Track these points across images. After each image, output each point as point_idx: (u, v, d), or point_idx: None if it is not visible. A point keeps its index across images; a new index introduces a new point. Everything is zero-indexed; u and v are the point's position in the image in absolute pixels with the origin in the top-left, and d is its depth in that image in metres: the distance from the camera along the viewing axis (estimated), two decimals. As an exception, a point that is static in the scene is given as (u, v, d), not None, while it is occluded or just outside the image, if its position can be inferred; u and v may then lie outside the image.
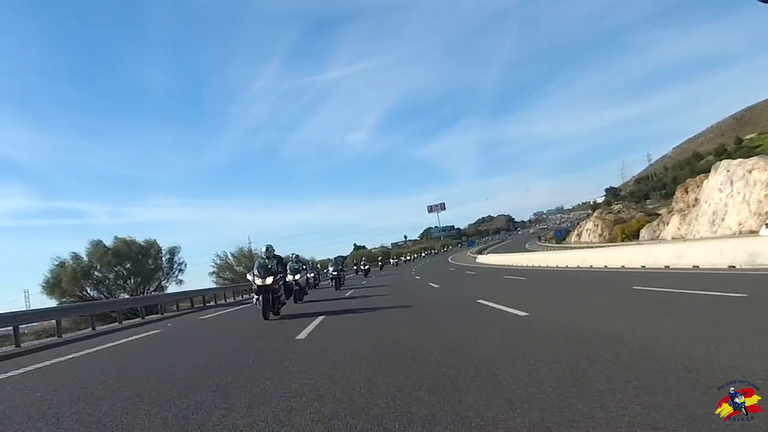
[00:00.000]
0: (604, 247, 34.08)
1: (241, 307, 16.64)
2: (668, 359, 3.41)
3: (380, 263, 57.63)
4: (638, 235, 46.19)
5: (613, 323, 5.50)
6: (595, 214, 74.83)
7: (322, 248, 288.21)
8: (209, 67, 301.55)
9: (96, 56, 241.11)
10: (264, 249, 10.87)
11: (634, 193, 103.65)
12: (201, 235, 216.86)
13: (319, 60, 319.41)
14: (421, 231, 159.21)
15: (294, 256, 22.35)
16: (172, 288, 33.78)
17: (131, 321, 15.27)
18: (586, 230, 69.36)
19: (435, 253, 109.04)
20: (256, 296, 10.13)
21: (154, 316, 16.22)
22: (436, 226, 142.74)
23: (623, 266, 16.82)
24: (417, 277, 25.76)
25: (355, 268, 42.29)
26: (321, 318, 9.05)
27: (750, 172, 30.44)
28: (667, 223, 40.69)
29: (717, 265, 11.89)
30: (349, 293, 17.41)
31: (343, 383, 3.58)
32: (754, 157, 32.74)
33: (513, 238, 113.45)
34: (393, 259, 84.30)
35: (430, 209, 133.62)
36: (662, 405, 2.45)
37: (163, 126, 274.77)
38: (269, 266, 10.14)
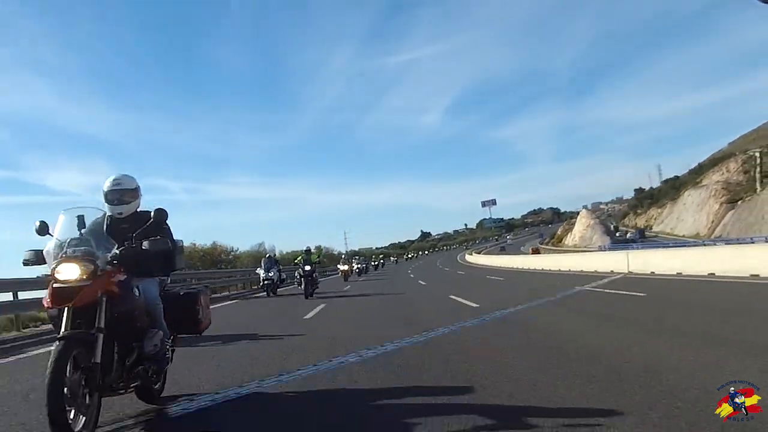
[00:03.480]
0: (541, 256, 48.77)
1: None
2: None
3: (381, 261, 59.12)
4: (562, 240, 74.63)
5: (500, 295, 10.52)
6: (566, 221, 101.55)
7: (391, 232, 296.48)
8: (286, 50, 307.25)
9: (180, 40, 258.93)
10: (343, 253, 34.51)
11: (639, 198, 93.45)
12: (275, 213, 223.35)
13: (395, 41, 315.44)
14: (478, 221, 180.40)
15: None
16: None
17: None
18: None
19: (446, 250, 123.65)
20: (356, 267, 32.37)
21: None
22: (489, 218, 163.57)
23: (559, 269, 22.19)
24: (411, 276, 28.72)
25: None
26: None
27: (582, 218, 60.02)
28: (566, 236, 70.12)
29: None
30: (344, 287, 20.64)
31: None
32: (585, 210, 62.33)
33: (501, 242, 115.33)
34: (393, 257, 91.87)
35: (483, 204, 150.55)
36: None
37: (241, 106, 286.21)
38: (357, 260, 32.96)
